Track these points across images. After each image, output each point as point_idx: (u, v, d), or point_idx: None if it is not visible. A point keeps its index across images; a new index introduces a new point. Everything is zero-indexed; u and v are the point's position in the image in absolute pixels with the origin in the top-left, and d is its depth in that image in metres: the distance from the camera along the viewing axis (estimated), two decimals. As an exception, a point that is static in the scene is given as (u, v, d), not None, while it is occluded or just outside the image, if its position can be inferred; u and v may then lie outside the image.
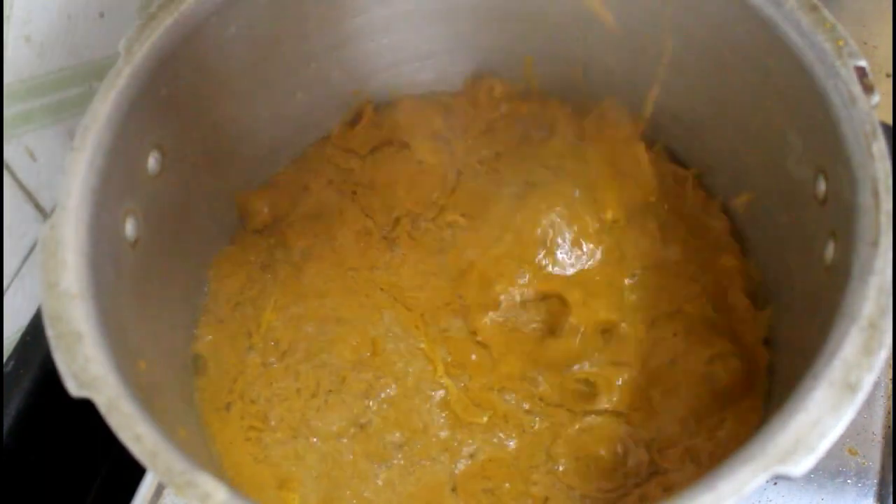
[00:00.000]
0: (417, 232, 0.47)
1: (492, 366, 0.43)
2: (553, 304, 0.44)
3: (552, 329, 0.43)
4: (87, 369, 0.29)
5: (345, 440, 0.41)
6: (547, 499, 0.39)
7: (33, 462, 0.47)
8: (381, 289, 0.45)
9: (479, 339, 0.43)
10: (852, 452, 0.43)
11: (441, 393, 0.42)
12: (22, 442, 0.45)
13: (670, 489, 0.38)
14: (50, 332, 0.30)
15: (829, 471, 0.42)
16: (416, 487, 0.40)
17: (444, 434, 0.41)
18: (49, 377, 0.46)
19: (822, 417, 0.27)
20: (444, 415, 0.41)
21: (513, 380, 0.42)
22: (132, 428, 0.29)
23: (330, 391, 0.42)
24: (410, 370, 0.43)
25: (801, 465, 0.26)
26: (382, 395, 0.42)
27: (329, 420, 0.41)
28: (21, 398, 0.46)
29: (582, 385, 0.42)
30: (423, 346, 0.43)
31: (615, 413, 0.41)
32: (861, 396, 0.27)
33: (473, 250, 0.46)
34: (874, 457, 0.42)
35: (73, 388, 0.29)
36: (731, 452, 0.27)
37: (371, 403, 0.42)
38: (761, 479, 0.26)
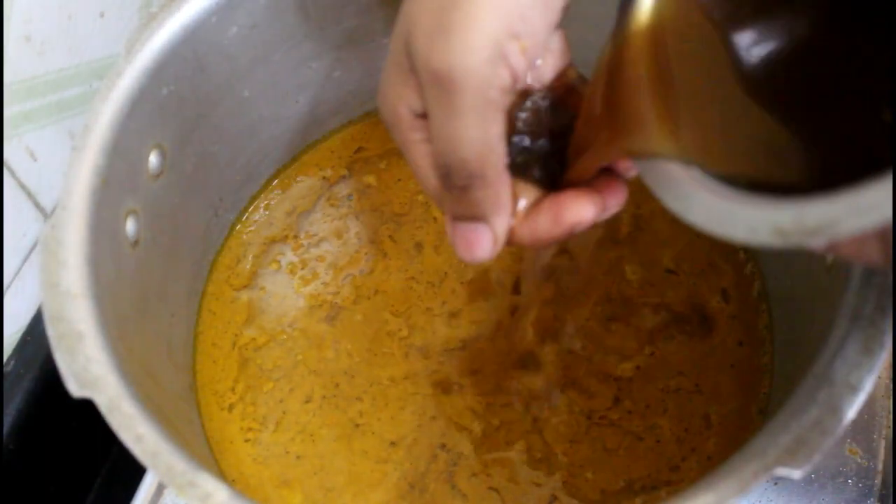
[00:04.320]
0: (399, 234, 0.47)
1: (487, 368, 0.43)
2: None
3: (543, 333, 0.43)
4: (88, 369, 0.29)
5: (342, 441, 0.41)
6: (554, 498, 0.39)
7: (33, 462, 0.47)
8: (368, 297, 0.45)
9: (478, 345, 0.43)
10: (852, 452, 0.43)
11: (438, 395, 0.42)
12: (22, 442, 0.45)
13: (675, 492, 0.38)
14: (51, 333, 0.30)
15: (830, 471, 0.42)
16: (416, 485, 0.40)
17: (441, 435, 0.41)
18: (49, 377, 0.47)
19: (823, 418, 0.27)
20: (441, 418, 0.41)
21: (511, 392, 0.42)
22: (133, 428, 0.29)
23: (324, 396, 0.42)
24: (402, 375, 0.43)
25: (802, 466, 0.26)
26: (377, 399, 0.42)
27: (326, 422, 0.42)
28: (21, 398, 0.46)
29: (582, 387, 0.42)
30: (413, 347, 0.43)
31: (620, 416, 0.41)
32: (861, 396, 0.27)
33: (448, 256, 0.46)
34: (874, 457, 0.42)
35: (74, 388, 0.29)
36: (732, 453, 0.27)
37: (366, 406, 0.42)
38: (762, 479, 0.26)
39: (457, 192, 0.27)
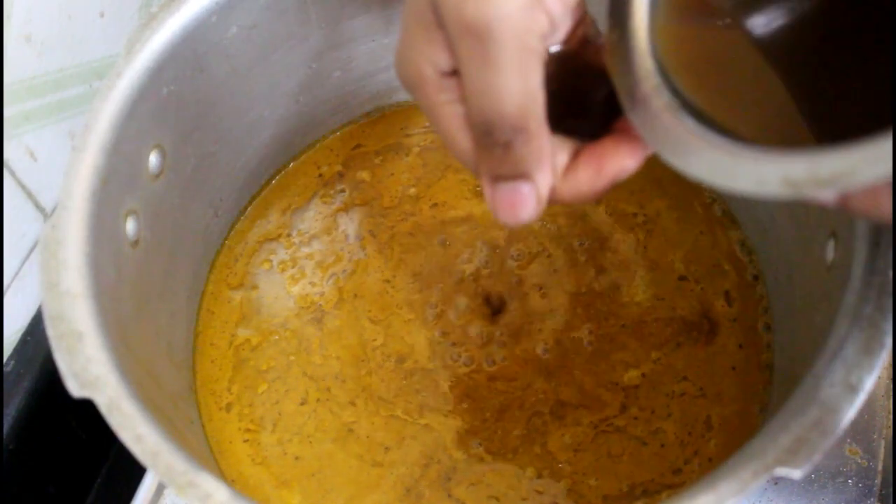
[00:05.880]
0: (379, 230, 0.47)
1: (480, 383, 0.42)
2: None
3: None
4: (88, 369, 0.29)
5: (338, 443, 0.41)
6: (555, 504, 0.39)
7: (33, 462, 0.47)
8: (348, 301, 0.45)
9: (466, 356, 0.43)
10: (852, 452, 0.43)
11: (426, 408, 0.42)
12: (22, 442, 0.45)
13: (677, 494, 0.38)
14: (51, 332, 0.30)
15: (830, 471, 0.42)
16: (412, 490, 0.40)
17: (434, 445, 0.41)
18: (49, 377, 0.47)
19: (823, 418, 0.27)
20: (431, 429, 0.41)
21: (509, 406, 0.42)
22: (133, 428, 0.29)
23: (318, 399, 0.42)
24: (388, 385, 0.42)
25: (802, 466, 0.26)
26: (369, 404, 0.42)
27: (321, 425, 0.41)
28: (21, 398, 0.46)
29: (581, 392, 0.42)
30: (392, 358, 0.43)
31: (626, 423, 0.41)
32: (861, 397, 0.27)
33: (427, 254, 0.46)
34: (874, 457, 0.42)
35: (74, 388, 0.29)
36: (732, 453, 0.27)
37: (359, 410, 0.42)
38: (762, 479, 0.26)
39: (498, 150, 0.26)
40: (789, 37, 0.25)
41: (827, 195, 0.20)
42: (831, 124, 0.22)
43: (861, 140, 0.19)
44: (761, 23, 0.25)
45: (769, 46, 0.25)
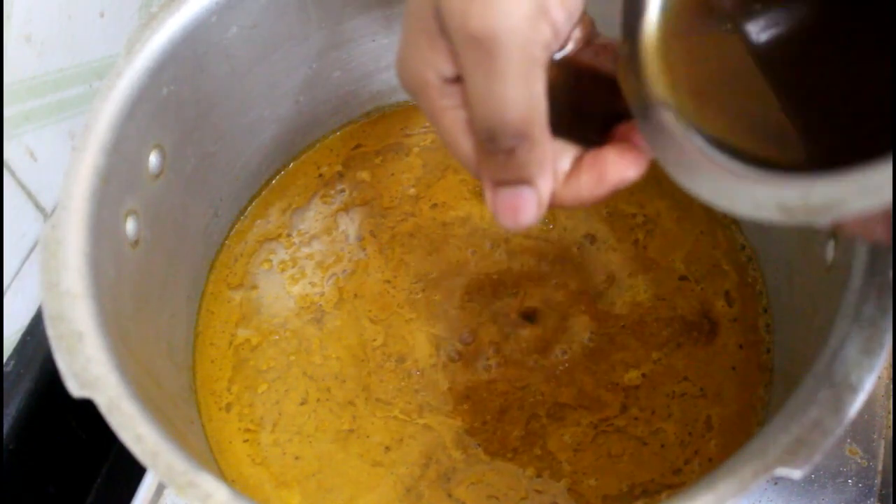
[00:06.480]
0: (380, 230, 0.47)
1: (480, 384, 0.42)
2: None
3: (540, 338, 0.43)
4: (88, 369, 0.29)
5: (337, 443, 0.41)
6: (555, 504, 0.39)
7: (33, 462, 0.47)
8: (348, 301, 0.45)
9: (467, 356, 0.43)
10: (852, 452, 0.43)
11: (426, 409, 0.42)
12: (22, 442, 0.45)
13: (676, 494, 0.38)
14: (51, 332, 0.30)
15: (830, 471, 0.42)
16: (412, 490, 0.40)
17: (434, 445, 0.41)
18: (49, 377, 0.47)
19: (823, 418, 0.27)
20: (431, 428, 0.41)
21: (508, 406, 0.42)
22: (133, 428, 0.29)
23: (318, 399, 0.42)
24: (388, 385, 0.42)
25: (802, 466, 0.26)
26: (368, 403, 0.42)
27: (321, 425, 0.41)
28: (21, 398, 0.46)
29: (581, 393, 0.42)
30: (392, 358, 0.43)
31: (626, 423, 0.41)
32: (861, 397, 0.27)
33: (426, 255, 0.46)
34: (874, 457, 0.42)
35: (75, 388, 0.29)
36: (732, 453, 0.27)
37: (359, 410, 0.42)
38: (762, 479, 0.26)
39: (501, 156, 0.26)
40: (787, 48, 0.25)
41: (822, 221, 0.20)
42: (833, 146, 0.22)
43: (853, 168, 0.19)
44: (759, 29, 0.25)
45: (767, 58, 0.25)
